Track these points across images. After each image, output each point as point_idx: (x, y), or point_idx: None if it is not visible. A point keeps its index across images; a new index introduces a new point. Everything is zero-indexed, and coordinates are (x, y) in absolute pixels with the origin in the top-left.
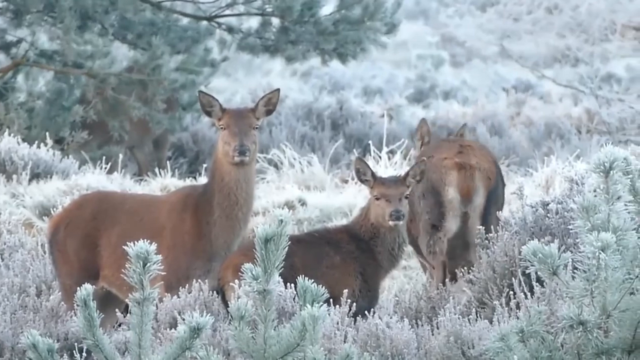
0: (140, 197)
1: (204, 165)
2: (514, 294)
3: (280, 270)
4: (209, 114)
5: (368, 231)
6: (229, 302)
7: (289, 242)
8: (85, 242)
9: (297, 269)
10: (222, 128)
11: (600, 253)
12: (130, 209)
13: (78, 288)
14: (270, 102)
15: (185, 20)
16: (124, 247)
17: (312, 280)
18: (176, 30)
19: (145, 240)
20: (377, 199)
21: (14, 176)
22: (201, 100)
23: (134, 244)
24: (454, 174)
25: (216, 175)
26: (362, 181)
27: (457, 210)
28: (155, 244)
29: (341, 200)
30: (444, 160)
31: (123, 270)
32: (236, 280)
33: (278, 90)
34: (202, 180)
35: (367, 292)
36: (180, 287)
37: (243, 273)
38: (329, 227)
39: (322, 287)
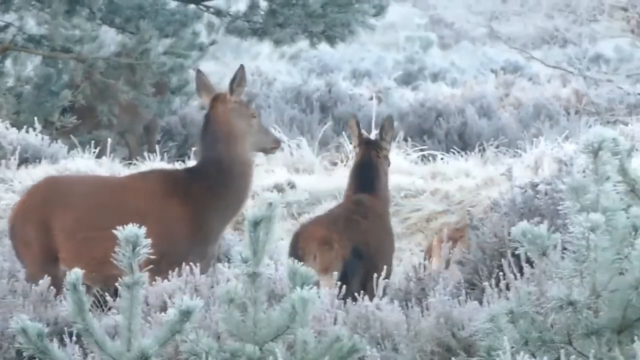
0: (97, 179)
1: (193, 149)
2: (504, 275)
3: None
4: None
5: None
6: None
7: None
8: (40, 227)
9: None
10: None
11: (589, 233)
12: (85, 193)
13: (44, 274)
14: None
15: (173, 4)
16: (81, 232)
17: None
18: (164, 13)
19: (113, 224)
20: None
21: (3, 161)
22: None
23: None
24: None
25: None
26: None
27: None
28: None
29: (330, 182)
30: None
31: (82, 254)
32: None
33: (242, 65)
34: (191, 163)
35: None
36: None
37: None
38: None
39: None
